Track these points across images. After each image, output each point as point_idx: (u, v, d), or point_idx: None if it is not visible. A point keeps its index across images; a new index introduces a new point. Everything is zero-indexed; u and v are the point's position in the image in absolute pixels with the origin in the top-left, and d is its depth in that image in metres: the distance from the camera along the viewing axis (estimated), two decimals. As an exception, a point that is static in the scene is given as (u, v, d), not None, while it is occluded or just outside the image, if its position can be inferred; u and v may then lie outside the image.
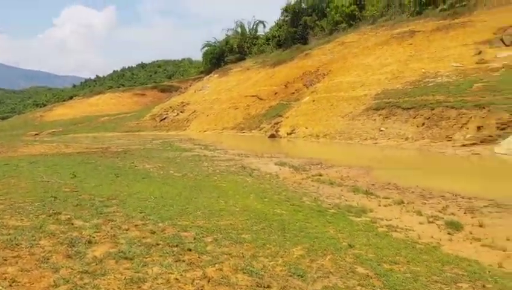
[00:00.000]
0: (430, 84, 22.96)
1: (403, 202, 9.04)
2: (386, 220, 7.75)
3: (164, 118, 48.27)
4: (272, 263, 4.96)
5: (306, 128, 26.47)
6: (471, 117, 17.94)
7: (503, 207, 8.31)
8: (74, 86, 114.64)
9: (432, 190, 10.22)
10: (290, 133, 27.30)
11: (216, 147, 23.93)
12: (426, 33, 30.59)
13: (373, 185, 11.32)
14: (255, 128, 33.77)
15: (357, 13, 44.83)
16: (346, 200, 9.46)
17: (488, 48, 25.04)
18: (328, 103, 27.74)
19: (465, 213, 8.05)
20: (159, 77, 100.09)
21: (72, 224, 6.27)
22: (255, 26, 67.54)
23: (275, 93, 38.05)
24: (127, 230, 6.09)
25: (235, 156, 18.95)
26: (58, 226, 6.13)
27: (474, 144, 16.00)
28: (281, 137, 27.54)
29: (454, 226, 7.09)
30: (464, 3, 31.75)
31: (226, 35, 68.23)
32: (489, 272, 5.19)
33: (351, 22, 45.14)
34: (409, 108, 21.14)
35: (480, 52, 24.79)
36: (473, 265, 5.43)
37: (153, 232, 5.98)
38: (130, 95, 76.69)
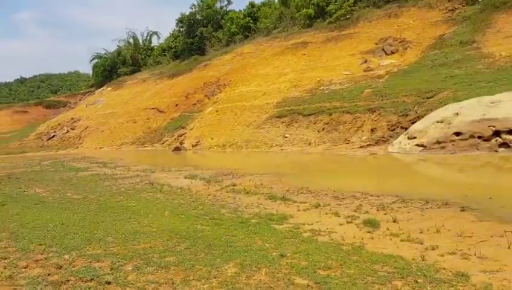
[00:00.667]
0: (325, 92, 24.30)
1: (319, 205, 9.14)
2: (308, 224, 7.71)
3: (52, 136, 44.02)
4: (206, 285, 4.49)
5: (211, 139, 26.14)
6: (364, 121, 19.30)
7: (409, 202, 8.86)
8: None
9: (342, 191, 10.56)
10: (196, 145, 26.73)
11: (116, 164, 22.32)
12: (318, 44, 32.50)
13: (287, 190, 11.36)
14: (157, 142, 32.45)
15: (251, 25, 46.05)
16: (265, 208, 9.28)
17: (372, 57, 27.43)
18: (232, 112, 27.80)
19: (377, 210, 8.38)
20: (42, 92, 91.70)
21: (-50, 270, 5.06)
22: (148, 37, 65.66)
23: (176, 105, 37.13)
24: (25, 268, 5.10)
25: (140, 172, 17.83)
26: None
27: (369, 145, 17.20)
28: (186, 149, 26.80)
29: (372, 224, 7.29)
30: (348, 16, 34.41)
31: (118, 46, 65.17)
32: (415, 266, 5.35)
33: (247, 33, 46.23)
34: (309, 114, 22.08)
35: (366, 61, 27.03)
36: (399, 261, 5.54)
37: (59, 267, 5.10)
38: (9, 112, 68.68)
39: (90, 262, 5.31)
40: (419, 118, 17.02)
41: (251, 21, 46.55)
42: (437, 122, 14.65)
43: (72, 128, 44.27)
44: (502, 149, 12.61)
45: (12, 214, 9.37)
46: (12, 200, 11.43)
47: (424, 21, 29.91)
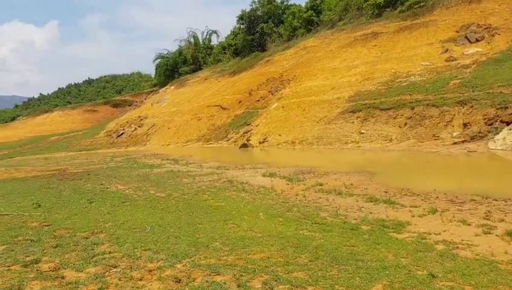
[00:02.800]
0: (403, 84, 22.64)
1: (436, 210, 8.00)
2: (435, 234, 6.63)
3: (121, 134, 45.50)
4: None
5: (279, 135, 25.37)
6: (454, 114, 17.58)
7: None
8: (16, 106, 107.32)
9: (456, 193, 9.31)
10: (263, 142, 26.09)
11: (187, 160, 22.22)
12: (389, 34, 30.64)
13: (386, 192, 10.26)
14: (221, 139, 32.27)
15: (314, 18, 44.73)
16: (370, 213, 8.29)
17: (454, 46, 25.26)
18: (300, 108, 26.85)
19: (515, 217, 7.14)
20: (108, 92, 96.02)
21: (63, 277, 4.61)
22: (208, 36, 66.27)
23: (239, 102, 36.79)
24: (141, 280, 4.53)
25: (214, 169, 17.43)
26: (44, 282, 4.46)
27: (464, 141, 15.55)
28: (253, 146, 26.25)
29: (521, 236, 6.09)
30: (422, 4, 32.16)
31: (179, 46, 66.41)
32: None
33: (309, 27, 44.99)
34: (387, 109, 20.60)
35: (447, 50, 24.93)
36: None
37: (178, 281, 4.48)
38: (81, 111, 72.51)
39: (210, 275, 4.66)
40: (522, 110, 15.11)
41: (314, 14, 45.22)
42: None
43: (139, 126, 45.51)
44: None
45: (103, 213, 9.11)
46: (98, 198, 11.31)
47: (511, 5, 27.11)
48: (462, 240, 6.26)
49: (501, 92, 16.99)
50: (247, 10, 54.41)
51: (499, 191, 9.07)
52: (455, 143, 15.59)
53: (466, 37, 25.32)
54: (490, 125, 15.75)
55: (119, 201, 10.56)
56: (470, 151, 14.14)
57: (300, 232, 6.94)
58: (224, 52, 59.39)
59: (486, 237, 6.37)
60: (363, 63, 28.34)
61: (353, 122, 21.53)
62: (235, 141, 29.49)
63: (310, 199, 10.13)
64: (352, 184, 11.59)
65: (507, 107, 15.89)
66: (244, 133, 29.61)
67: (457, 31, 26.73)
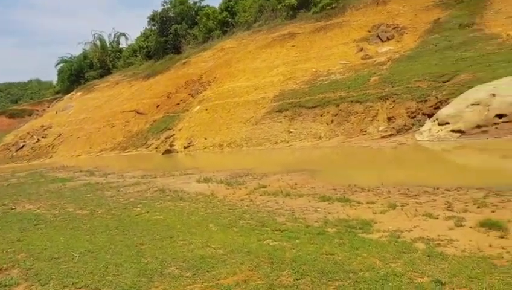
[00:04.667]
0: (326, 82, 22.95)
1: (396, 205, 7.63)
2: (407, 231, 6.18)
3: (22, 147, 40.67)
4: None
5: (205, 139, 24.25)
6: (378, 109, 18.04)
7: (506, 195, 7.48)
8: None
9: (404, 186, 9.13)
10: (188, 146, 24.75)
11: (105, 171, 20.12)
12: (306, 35, 31.17)
13: (335, 189, 9.81)
14: (141, 146, 30.20)
15: (230, 19, 44.27)
16: (329, 213, 7.69)
17: (367, 45, 26.32)
18: (225, 110, 26.00)
19: (478, 207, 6.95)
20: (1, 102, 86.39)
21: None
22: (116, 38, 62.55)
23: (157, 106, 34.89)
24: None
25: (139, 178, 15.85)
26: None
27: (391, 134, 15.93)
28: (177, 152, 24.79)
29: (495, 226, 5.82)
30: (333, 5, 33.26)
31: (83, 49, 61.85)
32: None
33: (225, 28, 44.41)
34: (313, 107, 20.63)
35: (362, 49, 25.88)
36: None
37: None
38: (-31, 124, 63.83)
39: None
40: (441, 102, 15.88)
41: (229, 15, 44.75)
42: (472, 105, 13.50)
43: (43, 137, 41.06)
44: (555, 130, 11.55)
45: (12, 240, 7.39)
46: (2, 222, 9.35)
47: (414, 6, 29.10)
48: (438, 235, 5.85)
49: (419, 86, 17.79)
50: (158, 11, 52.25)
51: (444, 180, 9.05)
52: (383, 137, 15.91)
53: (378, 36, 26.55)
54: (413, 118, 16.35)
55: (31, 224, 8.79)
56: (400, 144, 14.45)
57: (265, 243, 6.06)
58: (136, 55, 56.48)
59: (461, 230, 6.04)
60: (283, 63, 28.39)
61: (281, 121, 21.24)
62: (156, 148, 27.70)
63: (258, 203, 9.29)
64: (296, 184, 11.00)
65: (426, 100, 16.62)
66: (166, 138, 27.94)
67: (369, 31, 27.96)
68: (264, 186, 11.08)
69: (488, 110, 12.78)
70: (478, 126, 12.82)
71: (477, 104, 13.32)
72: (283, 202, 9.12)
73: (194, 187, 12.31)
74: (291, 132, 20.11)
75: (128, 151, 30.49)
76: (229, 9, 45.18)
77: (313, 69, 25.54)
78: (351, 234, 6.26)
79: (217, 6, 48.17)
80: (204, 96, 30.72)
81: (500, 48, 18.73)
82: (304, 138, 19.19)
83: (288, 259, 5.10)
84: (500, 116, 12.48)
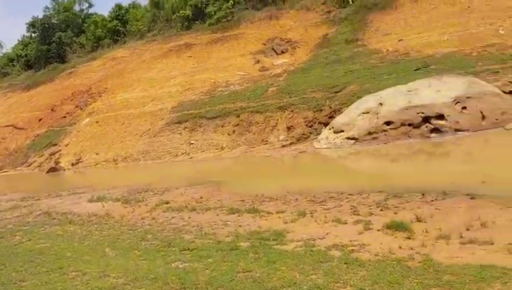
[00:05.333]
0: (225, 93, 22.87)
1: (305, 213, 7.57)
2: (320, 239, 6.10)
3: None
4: None
5: (97, 154, 22.37)
6: (278, 119, 18.40)
7: (404, 196, 7.86)
8: None
9: (310, 193, 9.17)
10: (76, 163, 22.56)
11: (-25, 196, 17.28)
12: (203, 46, 30.95)
13: (243, 201, 9.50)
14: (20, 165, 26.84)
15: (121, 28, 42.13)
16: (239, 226, 7.34)
17: (263, 57, 27.00)
18: (118, 122, 24.34)
19: (381, 210, 7.16)
20: None
21: None
22: (-14, 46, 55.57)
23: (40, 120, 31.49)
24: None
25: (18, 201, 13.91)
26: None
27: (291, 143, 16.29)
28: (64, 169, 22.44)
29: (402, 228, 6.00)
30: (229, 18, 33.63)
31: None
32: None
33: (116, 37, 42.12)
34: (214, 117, 20.33)
35: (258, 61, 26.45)
36: (492, 269, 4.33)
37: None
38: None
39: None
40: (335, 112, 16.74)
41: (120, 24, 42.56)
42: (363, 113, 14.38)
43: None
44: (434, 134, 12.78)
45: None
46: None
47: (304, 22, 30.71)
48: (350, 241, 5.84)
49: (314, 97, 18.60)
50: (39, 17, 47.65)
51: (347, 186, 9.32)
52: (284, 146, 16.20)
53: (273, 49, 27.41)
54: (310, 127, 16.96)
55: None
56: (300, 152, 14.80)
57: (174, 265, 5.46)
58: (13, 65, 50.75)
59: (370, 233, 6.12)
60: (181, 73, 27.71)
61: (181, 133, 20.50)
62: (39, 166, 24.80)
63: (162, 220, 8.57)
64: (202, 197, 10.47)
65: (322, 110, 17.40)
66: (50, 155, 25.18)
67: (264, 44, 28.73)
68: (167, 202, 10.34)
69: (377, 118, 13.73)
70: (369, 133, 13.69)
71: (368, 113, 14.24)
72: (189, 217, 8.53)
73: (86, 208, 11.04)
74: (192, 143, 19.51)
75: (4, 171, 26.84)
76: (119, 17, 42.99)
77: (212, 80, 25.32)
78: (265, 247, 5.96)
79: (106, 14, 45.61)
80: (94, 108, 28.51)
81: (382, 61, 20.49)
82: (206, 149, 18.74)
83: (202, 282, 4.60)
84: (388, 123, 13.48)
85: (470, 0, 21.48)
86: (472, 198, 7.06)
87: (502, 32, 17.72)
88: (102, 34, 43.08)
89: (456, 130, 12.43)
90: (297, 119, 17.63)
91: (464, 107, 12.62)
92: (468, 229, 5.67)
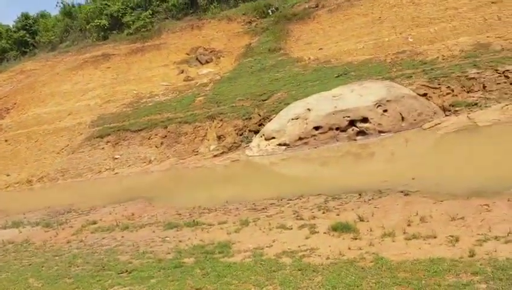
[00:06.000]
0: (150, 104, 22.04)
1: (248, 222, 7.37)
2: (268, 247, 5.96)
3: None
4: None
5: (8, 175, 20.18)
6: (207, 129, 18.06)
7: (342, 198, 7.97)
8: None
9: (250, 202, 8.98)
10: (-18, 187, 20.14)
11: None
12: (122, 56, 29.62)
13: (179, 214, 9.07)
14: None
15: (29, 39, 38.92)
16: (180, 241, 6.95)
17: (188, 67, 26.52)
18: (31, 139, 22.26)
19: (323, 213, 7.20)
20: None
21: None
22: None
23: None
24: None
25: None
26: None
27: (223, 152, 16.03)
28: (-32, 195, 19.91)
29: (347, 229, 6.04)
30: (148, 27, 32.64)
31: None
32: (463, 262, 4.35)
33: (24, 49, 38.81)
34: (139, 130, 19.41)
35: (183, 71, 25.92)
36: (445, 262, 4.45)
37: None
38: None
39: None
40: (264, 119, 16.83)
41: (27, 35, 39.31)
42: (292, 119, 14.60)
43: None
44: (360, 137, 13.33)
45: None
46: None
47: (227, 32, 30.75)
48: (298, 246, 5.75)
49: (243, 105, 18.58)
50: None
51: (285, 191, 9.28)
52: (215, 156, 15.90)
53: (197, 59, 27.05)
54: (241, 135, 16.86)
55: None
56: (233, 161, 14.61)
57: (114, 291, 4.92)
58: None
59: (317, 237, 6.08)
60: (100, 85, 26.19)
61: (103, 147, 19.26)
62: None
63: (91, 242, 7.84)
64: (133, 214, 9.81)
65: (251, 118, 17.40)
66: (-51, 180, 22.23)
67: (187, 54, 28.26)
68: (94, 222, 9.52)
69: (307, 124, 14.02)
70: (300, 138, 13.91)
71: (297, 119, 14.49)
72: (122, 237, 7.90)
73: (0, 235, 9.79)
74: (116, 158, 18.41)
75: None
76: (27, 27, 39.68)
77: (134, 91, 24.28)
78: (212, 261, 5.65)
79: (11, 24, 41.88)
80: (2, 125, 25.84)
81: (305, 69, 21.10)
82: (132, 163, 17.78)
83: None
84: (317, 128, 13.81)
85: (381, 11, 22.97)
86: (406, 194, 7.37)
87: (411, 40, 19.15)
88: (8, 45, 39.46)
89: (380, 131, 13.08)
90: (227, 128, 17.44)
91: (385, 110, 13.34)
92: (409, 225, 5.85)
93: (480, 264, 4.27)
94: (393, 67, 17.63)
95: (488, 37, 16.65)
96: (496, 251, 4.56)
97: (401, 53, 18.72)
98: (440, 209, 6.30)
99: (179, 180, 14.34)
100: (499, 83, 13.49)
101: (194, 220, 8.01)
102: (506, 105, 12.28)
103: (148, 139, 18.83)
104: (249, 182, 11.89)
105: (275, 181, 11.44)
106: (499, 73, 13.98)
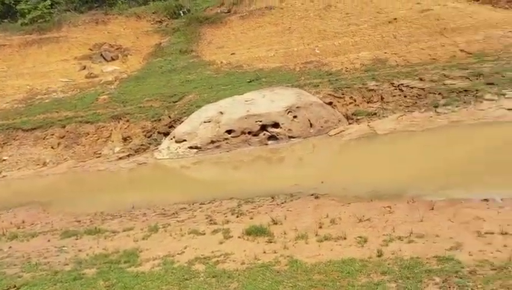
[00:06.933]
0: (46, 101, 20.12)
1: (157, 228, 6.95)
2: (179, 254, 5.68)
3: None
4: None
5: None
6: (112, 130, 16.97)
7: (256, 201, 7.92)
8: None
9: (160, 205, 8.51)
10: None
11: None
12: (15, 48, 26.72)
13: (79, 221, 8.29)
14: None
15: None
16: (79, 250, 6.35)
17: (91, 63, 24.80)
18: None
19: (237, 217, 7.10)
20: None
21: None
22: None
23: None
24: None
25: None
26: None
27: (129, 155, 15.12)
28: None
29: (261, 232, 5.97)
30: (46, 18, 29.96)
31: None
32: (386, 261, 4.52)
33: None
34: (33, 129, 17.52)
35: (85, 67, 24.15)
36: (356, 262, 4.56)
37: None
38: None
39: None
40: (174, 121, 16.30)
41: None
42: (205, 122, 14.31)
43: None
44: (271, 141, 13.51)
45: None
46: None
47: (135, 30, 29.48)
48: (212, 252, 5.54)
49: (152, 106, 17.83)
50: None
51: (198, 195, 8.99)
52: (120, 158, 14.96)
53: (102, 56, 25.42)
54: (149, 137, 16.12)
55: None
56: (140, 164, 13.88)
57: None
58: None
59: (231, 241, 5.91)
60: (-14, 78, 23.28)
61: (-12, 148, 17.03)
62: None
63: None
64: (24, 222, 8.75)
65: (160, 120, 16.76)
66: None
67: (91, 49, 26.45)
68: (-25, 232, 8.25)
69: (219, 127, 13.86)
70: (212, 142, 13.69)
71: (209, 122, 14.25)
72: (10, 247, 6.95)
73: None
74: (4, 159, 16.40)
75: None
76: None
77: (28, 86, 22.01)
78: (117, 271, 5.17)
79: None
80: None
81: (217, 72, 21.00)
82: (24, 165, 15.96)
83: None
84: (229, 131, 13.72)
85: (291, 22, 23.82)
86: (316, 197, 7.56)
87: (318, 51, 20.10)
88: None
89: (290, 137, 13.42)
90: (135, 129, 16.58)
91: (295, 116, 13.73)
92: (320, 227, 5.97)
93: (388, 264, 4.46)
94: (301, 76, 18.32)
95: (385, 53, 18.14)
96: (400, 251, 4.81)
97: (309, 63, 19.54)
98: (348, 211, 6.54)
99: (79, 184, 13.20)
100: (395, 96, 14.70)
101: (95, 227, 7.35)
102: (401, 115, 13.40)
103: (43, 139, 17.09)
104: (157, 186, 11.34)
105: (186, 185, 11.08)
106: (394, 86, 15.24)
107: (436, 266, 4.34)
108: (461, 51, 17.08)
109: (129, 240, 6.47)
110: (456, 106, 13.16)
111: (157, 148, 14.95)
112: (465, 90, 13.98)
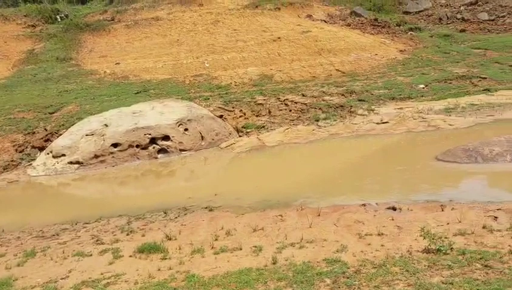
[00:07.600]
0: None
1: (36, 252, 6.22)
2: (62, 279, 5.20)
3: None
4: None
5: None
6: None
7: (146, 218, 7.55)
8: None
9: (38, 227, 7.61)
10: None
11: None
12: None
13: None
14: None
15: None
16: None
17: None
18: None
19: (127, 235, 6.69)
20: None
21: None
22: None
23: None
24: None
25: None
26: None
27: (-4, 173, 13.34)
28: None
29: (155, 250, 5.72)
30: None
31: None
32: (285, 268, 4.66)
33: None
34: None
35: None
36: (252, 272, 4.63)
37: None
38: None
39: None
40: (52, 134, 14.88)
41: None
42: (87, 135, 13.29)
43: None
44: (161, 155, 13.08)
45: None
46: None
47: (3, 34, 26.49)
48: (101, 274, 5.16)
49: (24, 118, 16.05)
50: None
51: (75, 215, 8.25)
52: (-16, 176, 13.09)
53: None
54: (21, 152, 14.41)
55: None
56: (10, 182, 12.26)
57: None
58: None
59: (122, 261, 5.56)
60: None
61: None
62: None
63: None
64: None
65: (35, 132, 15.14)
66: None
67: None
68: None
69: (104, 140, 12.99)
70: (96, 156, 12.76)
71: (92, 135, 13.29)
72: None
73: None
74: None
75: None
76: None
77: None
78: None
79: None
80: None
81: (100, 83, 19.83)
82: None
83: None
84: (115, 145, 12.93)
85: (179, 35, 23.72)
86: (211, 210, 7.55)
87: (207, 65, 20.30)
88: None
89: (181, 150, 13.19)
90: (3, 143, 14.66)
91: (186, 129, 13.57)
92: (216, 239, 5.95)
93: (283, 270, 4.64)
94: (191, 89, 18.29)
95: (271, 69, 19.11)
96: (293, 257, 5.04)
97: (199, 76, 19.62)
98: (242, 222, 6.65)
99: None
100: (281, 110, 15.53)
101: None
102: (287, 128, 14.17)
103: None
104: (32, 206, 10.14)
105: (66, 204, 10.10)
106: (280, 101, 16.11)
107: (325, 268, 4.65)
108: (337, 70, 18.85)
109: (0, 268, 5.66)
110: (334, 120, 14.42)
111: (30, 164, 13.43)
112: (341, 106, 15.43)
